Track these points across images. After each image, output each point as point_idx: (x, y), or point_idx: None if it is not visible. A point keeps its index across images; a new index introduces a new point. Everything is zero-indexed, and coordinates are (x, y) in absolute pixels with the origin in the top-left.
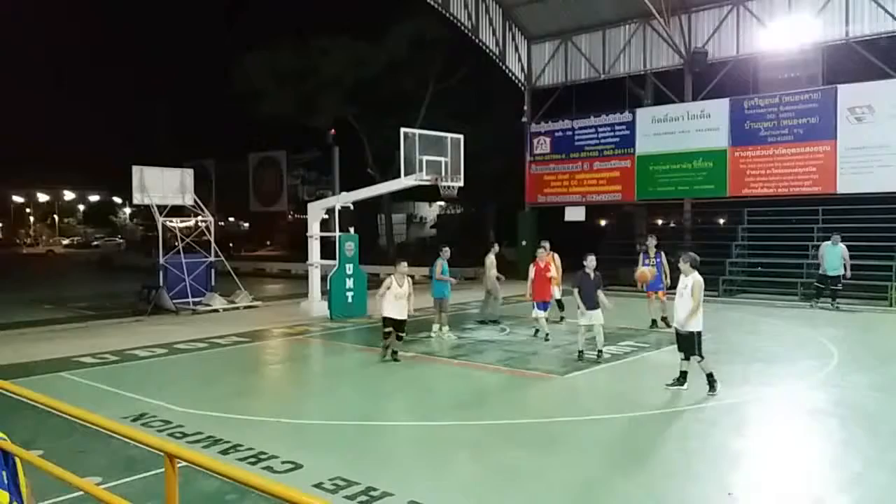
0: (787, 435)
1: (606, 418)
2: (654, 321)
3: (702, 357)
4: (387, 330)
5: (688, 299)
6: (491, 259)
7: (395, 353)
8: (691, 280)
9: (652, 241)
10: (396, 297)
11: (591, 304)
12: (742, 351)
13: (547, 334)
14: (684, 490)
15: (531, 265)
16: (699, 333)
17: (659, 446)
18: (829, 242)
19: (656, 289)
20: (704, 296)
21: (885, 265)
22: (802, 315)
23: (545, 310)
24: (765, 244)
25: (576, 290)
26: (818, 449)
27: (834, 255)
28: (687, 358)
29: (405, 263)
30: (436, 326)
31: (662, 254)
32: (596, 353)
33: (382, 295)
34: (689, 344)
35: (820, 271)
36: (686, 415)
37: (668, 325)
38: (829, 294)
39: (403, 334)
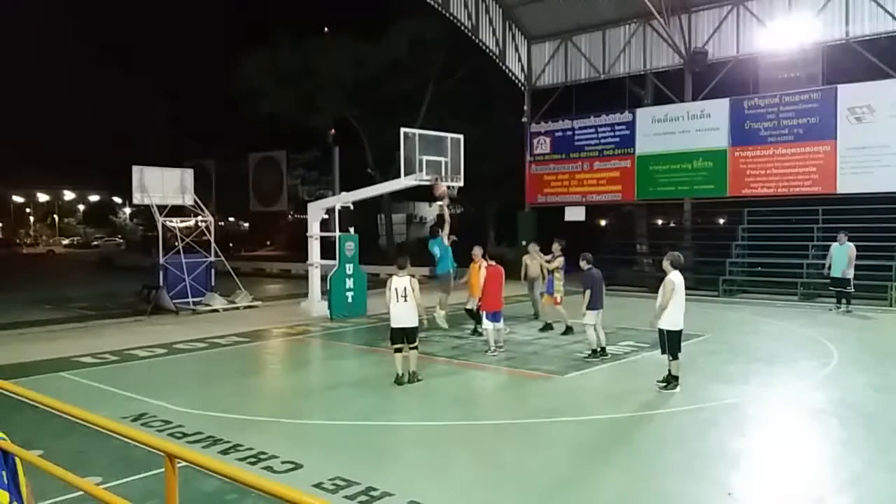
0: (787, 435)
1: (606, 418)
2: (546, 324)
3: (674, 357)
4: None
5: (660, 297)
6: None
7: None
8: (665, 279)
9: (557, 245)
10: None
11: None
12: (742, 351)
13: (495, 347)
14: (684, 490)
15: (480, 268)
16: (671, 332)
17: (659, 446)
18: (836, 243)
19: (547, 292)
20: (703, 296)
21: (885, 265)
22: (802, 315)
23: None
24: (765, 244)
25: (588, 291)
26: (818, 449)
27: (841, 256)
28: (670, 357)
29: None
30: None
31: (558, 259)
32: (591, 351)
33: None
34: (662, 343)
35: (831, 273)
36: (686, 415)
37: (550, 328)
38: (842, 296)
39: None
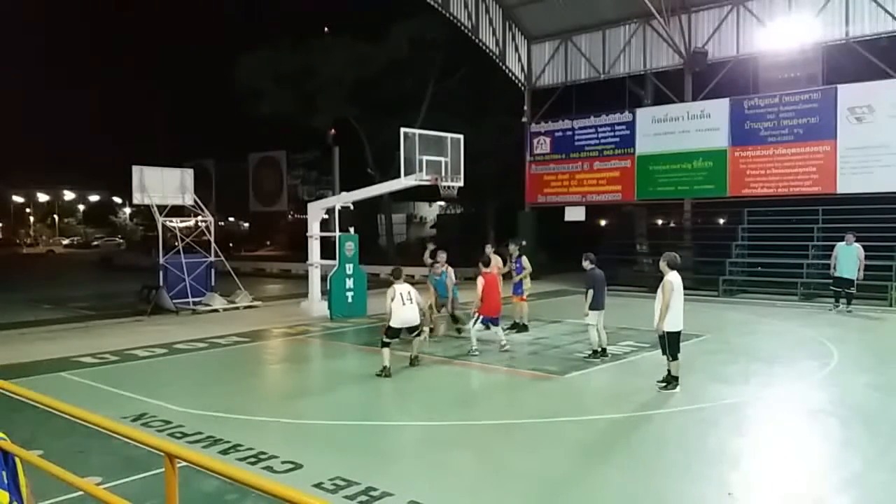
0: (787, 435)
1: (606, 418)
2: (514, 323)
3: (673, 358)
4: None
5: (658, 299)
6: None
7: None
8: (664, 280)
9: (514, 245)
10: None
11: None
12: (742, 351)
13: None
14: (684, 490)
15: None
16: (670, 333)
17: (659, 446)
18: (843, 243)
19: (515, 293)
20: (703, 296)
21: (885, 265)
22: (802, 315)
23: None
24: (765, 244)
25: (590, 291)
26: (818, 449)
27: (848, 256)
28: (669, 358)
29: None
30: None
31: (524, 258)
32: (591, 352)
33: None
34: (662, 344)
35: (835, 273)
36: (686, 415)
37: (525, 329)
38: (844, 297)
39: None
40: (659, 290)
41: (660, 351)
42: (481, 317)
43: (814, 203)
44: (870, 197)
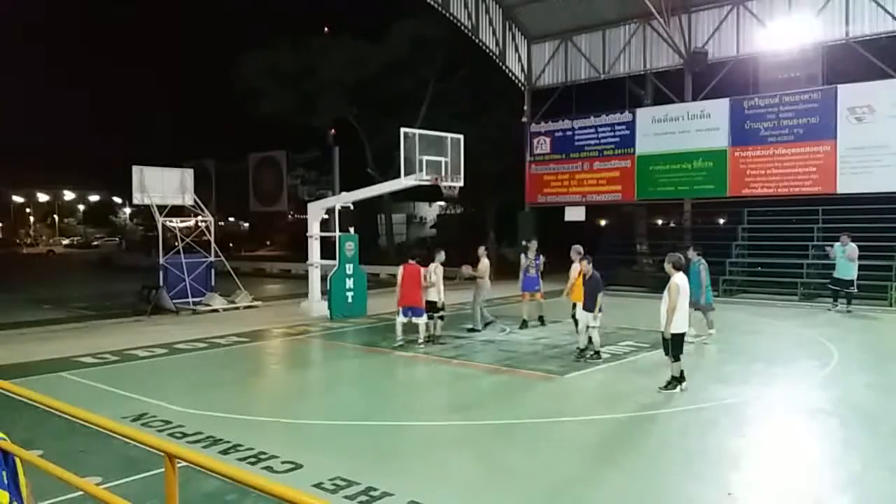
0: (787, 435)
1: (606, 418)
2: (524, 321)
3: (675, 359)
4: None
5: (665, 301)
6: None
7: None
8: (670, 282)
9: (533, 244)
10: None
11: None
12: (742, 351)
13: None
14: (685, 490)
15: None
16: (675, 335)
17: (659, 446)
18: (838, 244)
19: (531, 290)
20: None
21: (885, 265)
22: (802, 315)
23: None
24: (765, 244)
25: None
26: (818, 449)
27: (843, 256)
28: (672, 359)
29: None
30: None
31: (542, 257)
32: (593, 352)
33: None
34: (665, 345)
35: (834, 274)
36: (686, 415)
37: (543, 324)
38: (843, 297)
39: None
40: (665, 293)
41: (661, 351)
42: (400, 308)
43: (814, 203)
44: (870, 197)
